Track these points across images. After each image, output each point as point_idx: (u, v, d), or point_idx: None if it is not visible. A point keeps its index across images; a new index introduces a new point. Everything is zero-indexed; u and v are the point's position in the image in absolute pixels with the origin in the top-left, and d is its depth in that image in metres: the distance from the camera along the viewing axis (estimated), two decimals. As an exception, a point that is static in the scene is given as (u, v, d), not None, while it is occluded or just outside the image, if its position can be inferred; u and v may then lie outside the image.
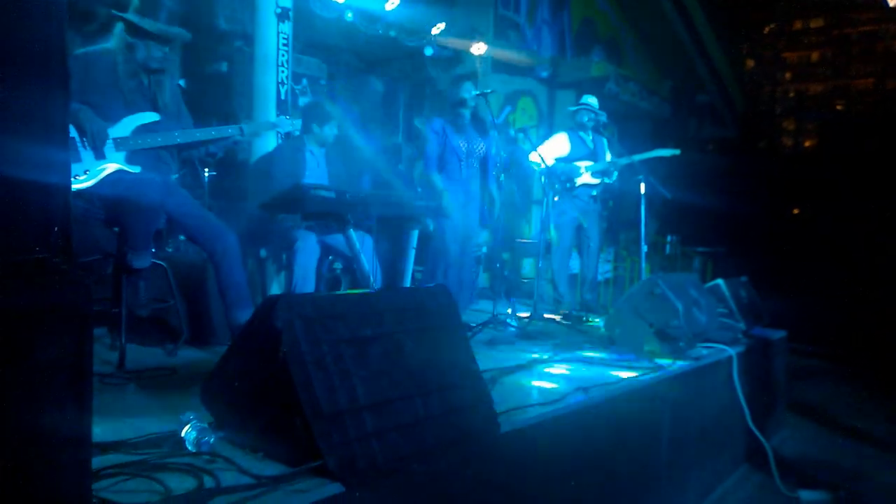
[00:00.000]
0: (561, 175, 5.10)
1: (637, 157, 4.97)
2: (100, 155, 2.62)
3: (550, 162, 5.03)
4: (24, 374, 1.11)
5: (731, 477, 3.81)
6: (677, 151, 5.13)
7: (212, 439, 1.68)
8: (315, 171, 3.99)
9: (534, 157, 4.94)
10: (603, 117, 5.23)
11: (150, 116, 2.78)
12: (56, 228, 1.22)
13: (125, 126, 2.71)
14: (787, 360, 4.84)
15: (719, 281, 4.27)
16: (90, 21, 4.52)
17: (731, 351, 3.61)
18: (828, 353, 6.98)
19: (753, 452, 3.81)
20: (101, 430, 1.71)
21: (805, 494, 3.47)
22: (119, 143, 2.67)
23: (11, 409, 1.10)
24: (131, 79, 2.76)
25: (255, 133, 3.11)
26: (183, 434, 1.67)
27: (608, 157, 5.25)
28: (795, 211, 12.94)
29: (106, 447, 1.64)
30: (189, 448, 1.65)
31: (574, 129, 5.32)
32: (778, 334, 4.57)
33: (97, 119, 2.58)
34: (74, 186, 2.53)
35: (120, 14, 2.71)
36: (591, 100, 5.27)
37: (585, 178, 5.14)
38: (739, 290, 4.42)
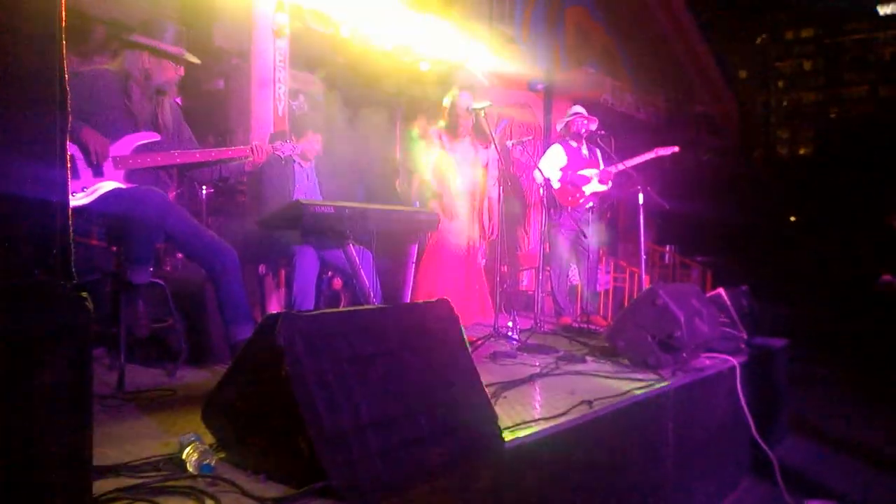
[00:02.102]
0: (568, 185, 5.10)
1: (636, 161, 4.99)
2: (98, 172, 2.61)
3: (551, 175, 5.03)
4: (24, 397, 1.10)
5: (737, 488, 3.78)
6: (675, 148, 5.14)
7: (213, 461, 1.65)
8: (305, 185, 3.97)
9: (534, 171, 4.94)
10: (593, 125, 5.23)
11: (151, 136, 2.78)
12: (55, 250, 1.20)
13: (125, 145, 2.70)
14: (789, 369, 4.82)
15: (721, 290, 4.26)
16: (87, 39, 4.52)
17: (734, 361, 3.59)
18: (828, 360, 6.97)
19: (758, 462, 3.77)
20: (100, 453, 1.68)
21: None
22: (118, 162, 2.66)
23: (11, 431, 1.08)
24: (147, 101, 2.76)
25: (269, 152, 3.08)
26: (184, 456, 1.65)
27: (602, 166, 5.26)
28: (792, 218, 12.98)
29: (105, 470, 1.61)
30: (190, 470, 1.63)
31: (567, 140, 5.33)
32: (780, 343, 4.55)
33: (99, 135, 2.57)
34: (72, 203, 2.50)
35: (136, 40, 2.70)
36: (578, 108, 5.28)
37: (591, 187, 5.15)
38: (741, 299, 4.41)
